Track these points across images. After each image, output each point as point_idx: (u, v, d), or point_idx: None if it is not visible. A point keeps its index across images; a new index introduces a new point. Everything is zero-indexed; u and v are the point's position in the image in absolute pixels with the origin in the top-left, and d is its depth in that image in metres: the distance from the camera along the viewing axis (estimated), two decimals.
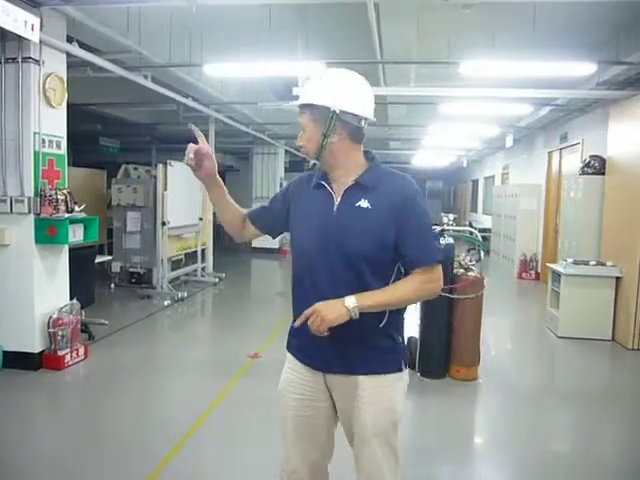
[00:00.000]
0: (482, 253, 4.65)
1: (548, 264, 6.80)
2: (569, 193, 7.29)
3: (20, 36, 3.75)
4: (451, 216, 4.57)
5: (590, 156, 6.88)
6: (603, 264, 5.91)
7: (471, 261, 4.52)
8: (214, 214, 9.91)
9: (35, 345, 4.40)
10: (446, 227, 4.49)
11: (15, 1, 3.54)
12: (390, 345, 1.78)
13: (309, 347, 1.78)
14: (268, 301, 8.16)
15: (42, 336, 4.44)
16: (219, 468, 3.09)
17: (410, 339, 4.67)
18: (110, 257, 8.08)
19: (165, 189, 7.48)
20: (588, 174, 6.75)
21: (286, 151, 13.95)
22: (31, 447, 3.21)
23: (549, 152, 9.80)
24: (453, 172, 22.99)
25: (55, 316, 4.45)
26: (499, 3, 4.91)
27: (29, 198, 4.27)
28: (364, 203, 1.71)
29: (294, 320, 1.82)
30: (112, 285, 8.01)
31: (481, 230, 11.21)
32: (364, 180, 1.74)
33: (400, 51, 5.72)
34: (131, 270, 8.05)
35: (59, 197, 4.38)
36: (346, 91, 1.74)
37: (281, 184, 12.91)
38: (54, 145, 4.49)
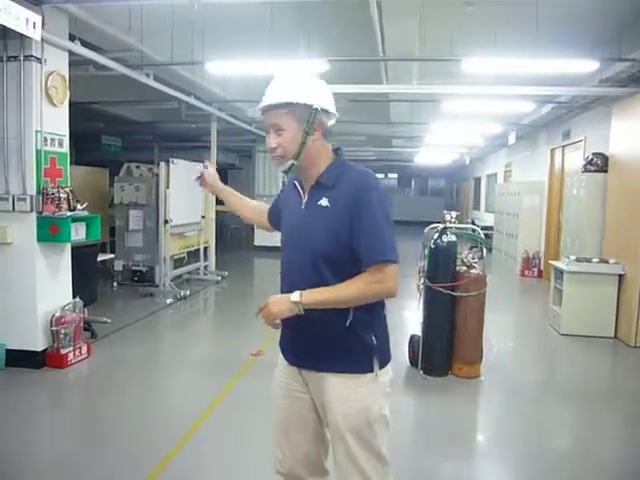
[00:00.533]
0: (484, 251, 4.64)
1: (551, 262, 6.79)
2: (572, 190, 7.27)
3: (22, 34, 3.75)
4: (453, 213, 4.55)
5: (593, 153, 6.87)
6: (606, 262, 5.89)
7: (473, 259, 4.51)
8: (216, 212, 9.93)
9: (38, 343, 4.41)
10: (449, 225, 4.48)
11: None
12: (359, 345, 1.74)
13: (287, 343, 1.89)
14: None
15: (45, 334, 4.45)
16: (221, 466, 3.09)
17: (413, 337, 4.68)
18: (112, 255, 8.08)
19: (167, 187, 7.48)
20: (591, 171, 6.73)
21: None
22: (34, 445, 3.22)
23: (552, 149, 9.78)
24: (455, 170, 22.95)
25: (58, 314, 4.46)
26: (502, 0, 4.89)
27: (31, 196, 4.28)
28: (324, 202, 1.72)
29: None
30: (114, 283, 8.03)
31: (483, 228, 11.16)
32: (323, 179, 1.76)
33: (402, 48, 5.71)
34: (133, 268, 8.07)
35: (61, 195, 4.38)
36: (319, 89, 1.75)
37: (283, 182, 12.90)
38: (56, 143, 4.49)
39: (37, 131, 4.26)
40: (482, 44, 5.78)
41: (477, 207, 18.55)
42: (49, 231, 4.35)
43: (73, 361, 4.54)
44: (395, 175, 26.20)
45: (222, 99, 7.91)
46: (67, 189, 4.49)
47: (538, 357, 5.61)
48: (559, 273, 6.14)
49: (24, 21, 3.62)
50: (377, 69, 6.41)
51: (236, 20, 5.76)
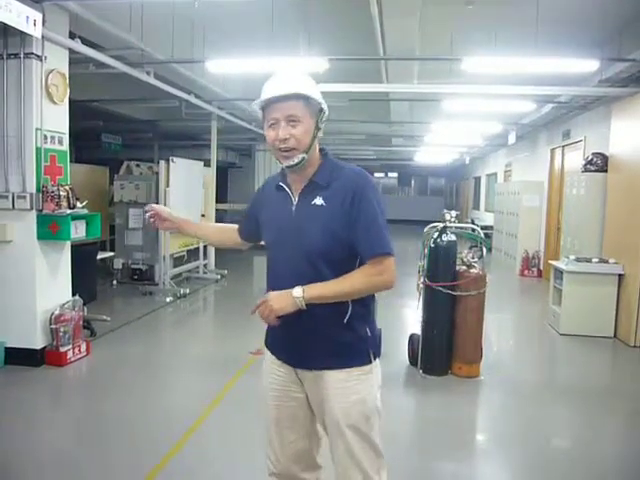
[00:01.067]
0: (484, 250, 4.64)
1: (550, 261, 6.79)
2: (571, 190, 7.27)
3: (22, 32, 3.75)
4: (453, 213, 4.55)
5: (593, 153, 6.87)
6: (605, 261, 5.90)
7: (473, 258, 4.51)
8: (217, 211, 9.93)
9: (37, 341, 4.41)
10: (448, 224, 4.48)
11: None
12: (355, 339, 1.77)
13: (279, 341, 1.85)
14: None
15: (44, 332, 4.45)
16: (222, 463, 3.09)
17: (412, 336, 4.68)
18: (112, 254, 8.08)
19: (167, 186, 7.48)
20: (590, 171, 6.73)
21: None
22: (34, 443, 3.22)
23: (552, 149, 9.78)
24: (455, 169, 22.96)
25: (57, 312, 4.46)
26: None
27: (31, 194, 4.27)
28: (319, 200, 1.73)
29: None
30: (114, 282, 8.02)
31: (483, 227, 11.17)
32: (318, 178, 1.76)
33: (403, 48, 5.71)
34: (133, 267, 8.06)
35: (61, 193, 4.38)
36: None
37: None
38: (56, 141, 4.49)
39: (37, 129, 4.25)
40: (482, 43, 5.79)
41: (477, 206, 18.55)
42: (49, 229, 4.34)
43: (72, 359, 4.54)
44: (395, 174, 26.21)
45: (222, 97, 7.90)
46: (67, 187, 4.49)
47: (537, 357, 5.61)
48: (559, 273, 6.14)
49: (24, 19, 3.62)
50: (377, 68, 6.41)
51: (236, 18, 5.77)
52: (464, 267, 4.46)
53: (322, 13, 5.83)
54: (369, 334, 1.79)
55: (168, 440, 3.25)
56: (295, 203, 1.78)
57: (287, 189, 1.81)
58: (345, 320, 1.73)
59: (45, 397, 4.09)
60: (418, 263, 4.61)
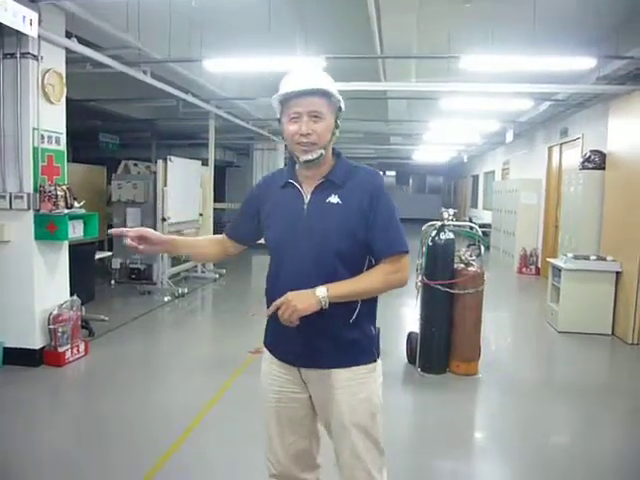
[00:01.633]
0: (482, 248, 4.64)
1: (548, 259, 6.80)
2: (569, 188, 7.28)
3: (18, 31, 3.73)
4: (451, 211, 4.56)
5: (590, 151, 6.87)
6: (603, 259, 5.91)
7: (471, 256, 4.51)
8: (214, 210, 9.92)
9: (36, 341, 4.41)
10: (446, 222, 4.48)
11: None
12: (362, 337, 1.78)
13: (282, 342, 1.81)
14: None
15: (42, 332, 4.44)
16: (220, 462, 3.09)
17: (410, 334, 4.68)
18: (110, 253, 8.06)
19: (165, 185, 7.47)
20: (588, 169, 6.74)
21: (286, 147, 13.89)
22: (33, 443, 3.21)
23: (549, 147, 9.78)
24: (453, 167, 22.96)
25: (55, 312, 4.46)
26: None
27: (28, 194, 4.27)
28: (334, 199, 1.73)
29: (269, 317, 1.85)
30: (112, 281, 8.01)
31: (481, 225, 11.15)
32: (333, 176, 1.76)
33: (400, 46, 5.71)
34: (131, 266, 8.05)
35: (58, 193, 4.37)
36: None
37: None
38: (53, 141, 4.48)
39: (34, 129, 4.24)
40: (480, 41, 5.78)
41: (475, 205, 18.55)
42: (46, 229, 4.33)
43: (71, 359, 4.54)
44: (393, 172, 26.20)
45: (220, 96, 7.89)
46: (64, 187, 4.48)
47: (536, 354, 5.62)
48: (557, 270, 6.15)
49: (21, 18, 3.61)
50: (375, 67, 6.40)
51: (233, 17, 5.76)
52: (462, 265, 4.46)
53: (319, 12, 5.82)
54: (374, 332, 1.82)
55: (167, 439, 3.25)
56: (307, 200, 1.76)
57: (298, 186, 1.79)
58: (352, 319, 1.74)
59: (44, 397, 4.09)
60: (416, 261, 4.60)
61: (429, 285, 4.39)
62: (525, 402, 4.13)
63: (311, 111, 1.68)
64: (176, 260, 8.37)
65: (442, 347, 4.46)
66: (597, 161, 6.65)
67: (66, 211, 4.39)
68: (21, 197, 4.26)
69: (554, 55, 5.06)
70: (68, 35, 4.57)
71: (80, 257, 5.63)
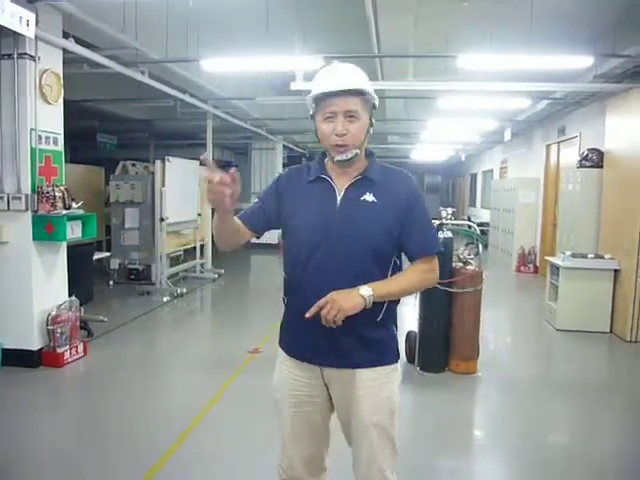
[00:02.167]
0: (480, 247, 4.65)
1: (546, 257, 6.80)
2: (567, 186, 7.29)
3: (16, 32, 3.73)
4: (449, 210, 4.56)
5: (588, 149, 6.88)
6: (601, 257, 5.92)
7: (470, 255, 4.52)
8: (213, 210, 9.91)
9: (34, 343, 4.40)
10: (445, 221, 4.49)
11: None
12: (386, 337, 1.79)
13: (305, 342, 1.77)
14: (267, 296, 8.14)
15: (41, 333, 4.44)
16: (220, 462, 3.09)
17: (409, 333, 4.68)
18: (109, 254, 8.05)
19: (163, 185, 7.47)
20: (586, 167, 6.75)
21: (284, 146, 13.93)
22: (32, 444, 3.21)
23: (547, 145, 9.80)
24: (451, 166, 22.98)
25: (54, 313, 4.45)
26: None
27: (26, 195, 4.26)
28: (369, 197, 1.72)
29: (287, 316, 1.85)
30: (111, 282, 8.01)
31: (479, 224, 11.21)
32: (370, 174, 1.75)
33: (397, 45, 5.71)
34: (130, 267, 8.05)
35: (56, 194, 4.37)
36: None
37: (280, 176, 12.90)
38: (51, 142, 4.47)
39: (31, 129, 4.24)
40: (477, 40, 5.79)
41: (473, 203, 18.58)
42: (45, 230, 4.33)
43: (69, 360, 4.53)
44: None
45: (218, 96, 7.89)
46: (62, 187, 4.48)
47: (534, 353, 5.63)
48: (555, 269, 6.16)
49: (18, 19, 3.60)
50: (372, 66, 6.40)
51: (231, 17, 5.75)
52: (460, 264, 4.47)
53: (317, 11, 5.83)
54: (396, 332, 1.84)
55: (167, 439, 3.25)
56: (340, 197, 1.73)
57: (331, 181, 1.76)
58: (379, 318, 1.74)
59: (43, 398, 4.08)
60: None
61: None
62: (524, 400, 4.13)
63: (347, 111, 1.66)
64: (174, 260, 8.38)
65: (441, 346, 4.46)
66: (595, 159, 6.66)
67: (64, 212, 4.39)
68: (19, 198, 4.25)
69: (551, 54, 5.06)
70: (65, 35, 4.56)
71: (78, 258, 5.63)
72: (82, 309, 4.91)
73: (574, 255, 5.98)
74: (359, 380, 1.74)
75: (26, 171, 4.25)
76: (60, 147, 4.61)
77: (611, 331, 5.85)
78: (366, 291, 1.63)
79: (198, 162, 8.77)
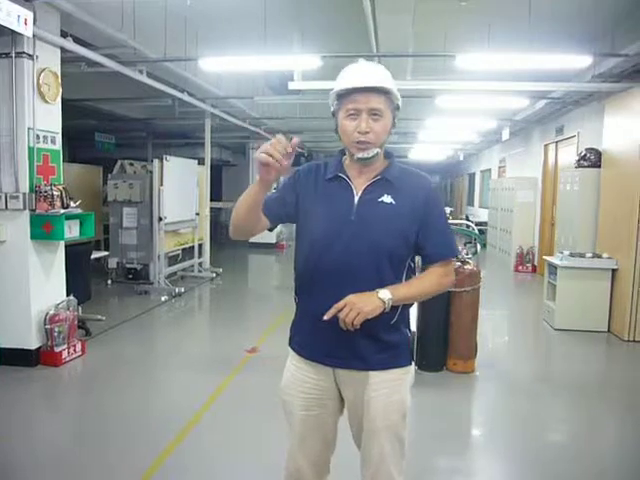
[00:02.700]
0: (479, 246, 4.66)
1: (544, 257, 6.81)
2: (565, 186, 7.30)
3: (13, 31, 3.72)
4: (447, 209, 4.57)
5: (586, 149, 6.89)
6: (599, 256, 5.92)
7: (468, 254, 4.53)
8: (211, 209, 9.90)
9: (32, 342, 4.40)
10: None
11: None
12: (400, 339, 1.77)
13: (319, 343, 1.74)
14: (265, 296, 8.17)
15: (39, 333, 4.43)
16: (218, 461, 3.09)
17: None
18: (107, 253, 8.05)
19: (161, 184, 7.46)
20: (584, 167, 6.75)
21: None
22: (30, 443, 3.21)
23: (545, 145, 9.81)
24: (450, 166, 23.01)
25: (52, 312, 4.45)
26: None
27: (24, 194, 4.25)
28: (387, 198, 1.69)
29: (299, 316, 1.81)
30: (109, 281, 8.00)
31: (478, 223, 11.22)
32: (389, 175, 1.72)
33: (396, 44, 5.71)
34: (128, 266, 8.05)
35: (54, 193, 4.36)
36: None
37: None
38: (49, 141, 4.47)
39: (29, 128, 4.23)
40: (476, 40, 5.79)
41: (471, 203, 18.59)
42: (42, 229, 4.32)
43: (67, 359, 4.53)
44: None
45: (216, 95, 7.88)
46: (60, 187, 4.47)
47: (532, 352, 5.64)
48: (553, 268, 6.16)
49: (15, 17, 3.60)
50: None
51: (229, 16, 5.75)
52: (459, 263, 4.47)
53: (315, 10, 5.83)
54: (409, 335, 1.81)
55: (165, 438, 3.25)
56: (358, 197, 1.70)
57: (349, 181, 1.73)
58: (394, 320, 1.72)
59: (41, 397, 4.08)
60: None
61: None
62: (522, 399, 4.14)
63: (372, 109, 1.64)
64: (173, 260, 8.38)
65: (439, 345, 4.46)
66: (593, 159, 6.66)
67: (62, 211, 4.38)
68: (17, 197, 4.25)
69: (550, 53, 5.06)
70: (63, 34, 4.55)
71: (76, 257, 5.62)
72: (80, 308, 4.91)
73: (572, 254, 5.99)
74: (372, 382, 1.72)
75: (24, 170, 4.25)
76: (58, 146, 4.60)
77: (609, 330, 5.86)
78: (385, 294, 1.60)
79: (196, 162, 8.77)
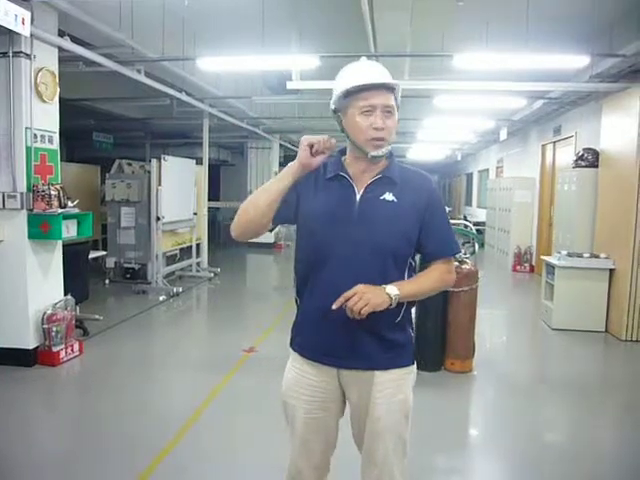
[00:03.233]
0: (476, 246, 4.66)
1: (542, 257, 6.82)
2: (563, 186, 7.31)
3: (11, 30, 3.71)
4: (446, 209, 4.57)
5: (583, 149, 6.90)
6: (597, 256, 5.93)
7: (465, 254, 4.53)
8: (209, 209, 9.90)
9: (29, 341, 4.39)
10: None
11: None
12: (404, 338, 1.76)
13: (322, 344, 1.73)
14: (263, 296, 8.16)
15: (36, 332, 4.43)
16: (216, 461, 3.09)
17: None
18: (104, 253, 8.04)
19: (159, 184, 7.45)
20: (582, 167, 6.76)
21: (280, 145, 13.92)
22: (28, 443, 3.20)
23: (543, 145, 9.82)
24: (448, 166, 23.01)
25: (49, 312, 4.44)
26: None
27: (22, 194, 4.24)
28: (389, 196, 1.69)
29: (301, 317, 1.79)
30: (107, 281, 7.99)
31: (475, 223, 11.24)
32: (390, 174, 1.72)
33: (394, 44, 5.71)
34: (126, 265, 8.04)
35: (52, 192, 4.36)
36: None
37: None
38: (46, 140, 4.46)
39: (27, 128, 4.22)
40: (473, 39, 5.80)
41: (469, 203, 18.61)
42: (40, 228, 4.32)
43: (65, 359, 4.52)
44: None
45: (214, 95, 7.87)
46: (58, 186, 4.46)
47: (530, 352, 5.65)
48: (550, 268, 6.17)
49: (13, 17, 3.59)
50: None
51: (227, 16, 5.75)
52: (456, 263, 4.47)
53: (313, 10, 5.83)
54: (412, 334, 1.81)
55: (162, 438, 3.24)
56: (360, 195, 1.69)
57: (350, 179, 1.71)
58: (398, 319, 1.72)
59: (38, 397, 4.07)
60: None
61: None
62: (520, 399, 4.14)
63: (386, 106, 1.65)
64: (170, 259, 8.37)
65: (437, 345, 4.47)
66: (590, 159, 6.67)
67: (60, 210, 4.38)
68: (14, 196, 4.24)
69: (547, 53, 5.07)
70: (61, 34, 4.54)
71: (74, 256, 5.61)
72: (77, 308, 4.90)
73: (570, 254, 6.00)
74: (377, 382, 1.71)
75: (21, 169, 4.24)
76: (56, 146, 4.59)
77: (606, 330, 5.86)
78: (392, 290, 1.60)
79: (194, 161, 8.77)
